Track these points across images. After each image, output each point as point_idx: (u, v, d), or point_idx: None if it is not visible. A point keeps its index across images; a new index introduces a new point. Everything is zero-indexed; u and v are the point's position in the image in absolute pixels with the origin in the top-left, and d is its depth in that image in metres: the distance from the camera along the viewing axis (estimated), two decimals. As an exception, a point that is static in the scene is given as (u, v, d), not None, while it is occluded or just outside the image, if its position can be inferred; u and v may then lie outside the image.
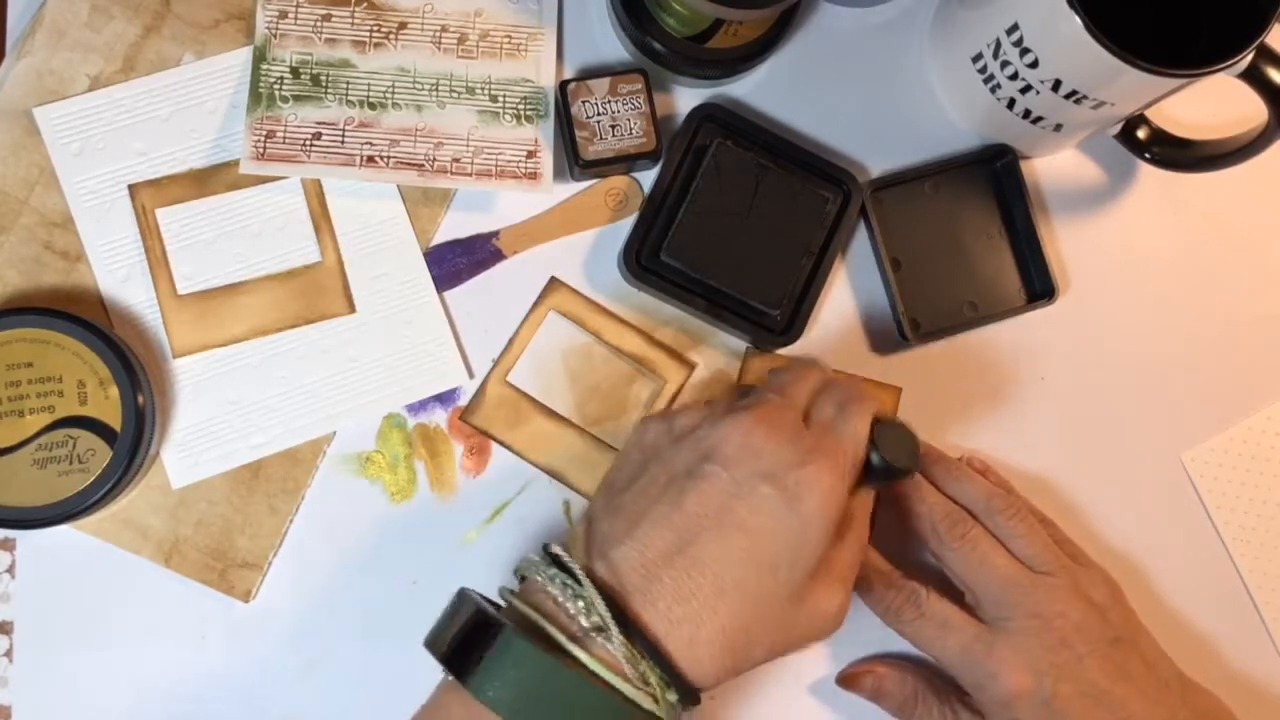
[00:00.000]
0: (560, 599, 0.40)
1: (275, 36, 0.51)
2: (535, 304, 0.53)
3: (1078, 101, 0.48)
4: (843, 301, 0.55)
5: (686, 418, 0.44)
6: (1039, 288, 0.55)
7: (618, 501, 0.43)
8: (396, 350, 0.52)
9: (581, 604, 0.39)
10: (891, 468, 0.45)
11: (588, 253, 0.54)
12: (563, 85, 0.52)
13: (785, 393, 0.45)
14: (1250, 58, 0.46)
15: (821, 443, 0.43)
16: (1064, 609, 0.47)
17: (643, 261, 0.52)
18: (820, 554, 0.42)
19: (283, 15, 0.51)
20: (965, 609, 0.49)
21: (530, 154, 0.52)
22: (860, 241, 0.55)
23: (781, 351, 0.53)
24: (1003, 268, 0.55)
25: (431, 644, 0.42)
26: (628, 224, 0.53)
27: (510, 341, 0.53)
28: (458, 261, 0.53)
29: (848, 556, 0.44)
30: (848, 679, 0.52)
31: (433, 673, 0.51)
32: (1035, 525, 0.49)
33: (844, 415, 0.44)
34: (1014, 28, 0.48)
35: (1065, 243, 0.56)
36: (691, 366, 0.53)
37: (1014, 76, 0.50)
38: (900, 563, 0.50)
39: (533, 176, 0.52)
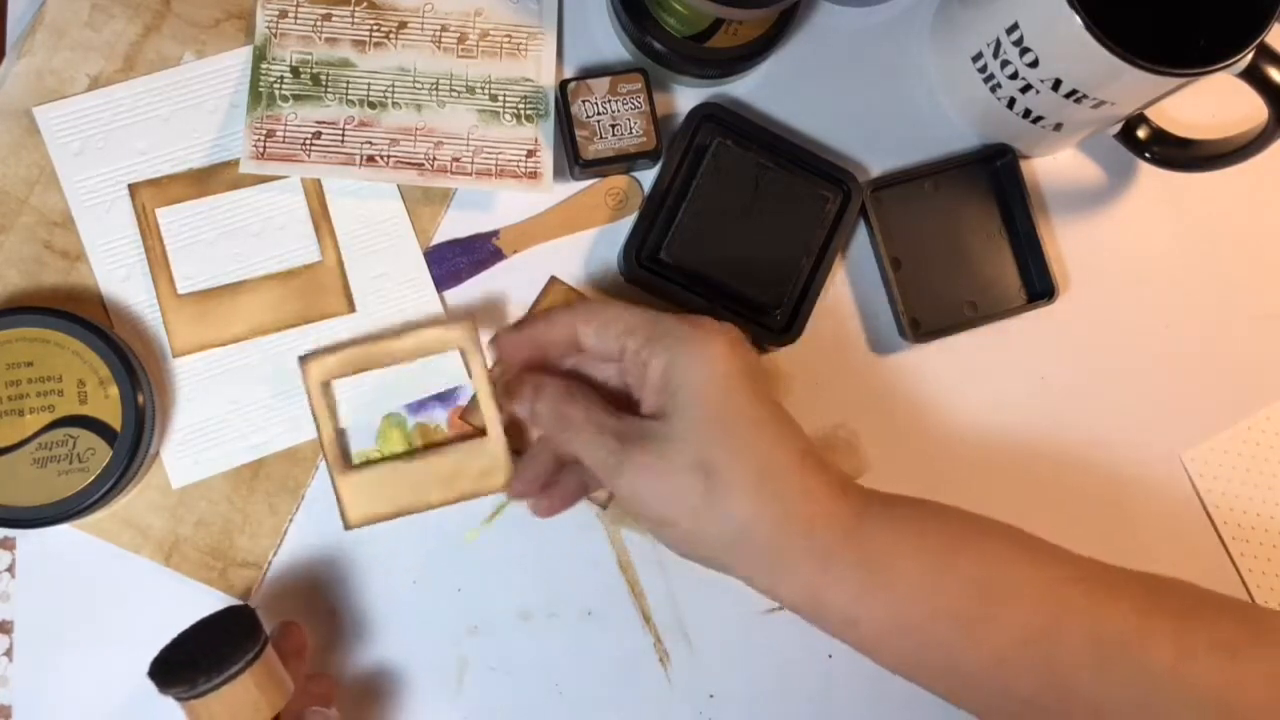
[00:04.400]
0: None
1: (275, 36, 0.51)
2: (535, 303, 0.53)
3: (1078, 101, 0.48)
4: (843, 301, 0.55)
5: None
6: (1039, 288, 0.55)
7: None
8: (396, 350, 0.52)
9: None
10: None
11: (588, 252, 0.54)
12: (563, 85, 0.52)
13: None
14: (1250, 57, 0.46)
15: None
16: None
17: (643, 261, 0.52)
18: None
19: (283, 15, 0.51)
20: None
21: (530, 153, 0.52)
22: (860, 241, 0.55)
23: (776, 348, 0.53)
24: (1003, 268, 0.55)
25: None
26: (628, 223, 0.53)
27: (510, 341, 0.53)
28: (458, 261, 0.53)
29: None
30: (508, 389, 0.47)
31: (431, 672, 0.51)
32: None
33: None
34: (1014, 27, 0.48)
35: (1065, 243, 0.56)
36: (691, 366, 0.53)
37: (1014, 76, 0.50)
38: None
39: (533, 176, 0.52)
